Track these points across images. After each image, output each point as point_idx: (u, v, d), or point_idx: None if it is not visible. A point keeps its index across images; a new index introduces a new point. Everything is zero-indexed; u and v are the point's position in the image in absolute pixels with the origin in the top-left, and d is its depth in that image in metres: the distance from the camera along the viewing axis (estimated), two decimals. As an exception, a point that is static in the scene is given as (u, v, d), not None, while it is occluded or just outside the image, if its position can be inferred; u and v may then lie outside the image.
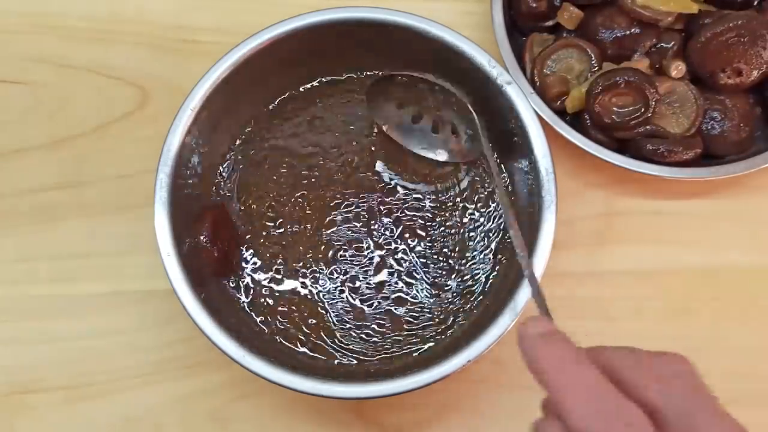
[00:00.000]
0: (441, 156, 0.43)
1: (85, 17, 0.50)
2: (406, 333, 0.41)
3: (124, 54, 0.50)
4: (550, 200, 0.39)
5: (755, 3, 0.45)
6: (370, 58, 0.44)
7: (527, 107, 0.40)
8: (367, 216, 0.43)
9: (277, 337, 0.41)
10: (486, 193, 0.43)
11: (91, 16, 0.50)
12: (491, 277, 0.42)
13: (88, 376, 0.44)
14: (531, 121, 0.40)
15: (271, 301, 0.42)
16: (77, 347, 0.44)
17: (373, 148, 0.44)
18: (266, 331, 0.41)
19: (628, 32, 0.45)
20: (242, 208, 0.43)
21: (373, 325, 0.41)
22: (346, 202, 0.43)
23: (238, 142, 0.44)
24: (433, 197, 0.43)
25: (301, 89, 0.45)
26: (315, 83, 0.45)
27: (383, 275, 0.42)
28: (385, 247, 0.42)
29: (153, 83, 0.49)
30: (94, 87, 0.49)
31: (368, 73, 0.45)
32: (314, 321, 0.41)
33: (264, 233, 0.43)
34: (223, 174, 0.44)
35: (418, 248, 0.42)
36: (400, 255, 0.42)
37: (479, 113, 0.41)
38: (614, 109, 0.44)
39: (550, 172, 0.39)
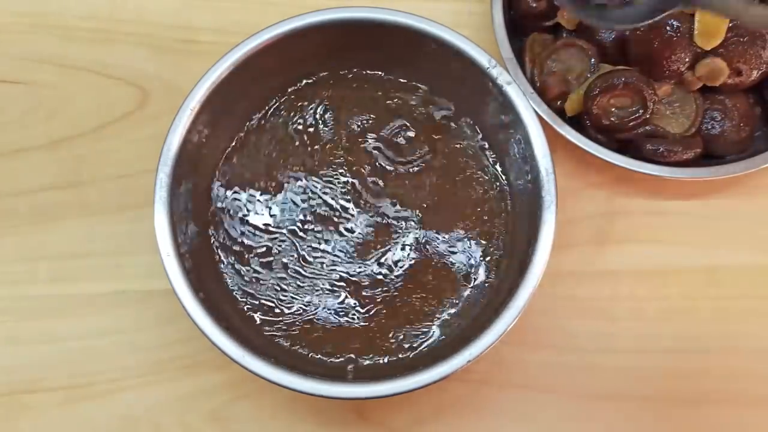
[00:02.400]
0: None
1: (85, 17, 0.50)
2: (404, 330, 0.41)
3: (124, 54, 0.50)
4: (550, 200, 0.39)
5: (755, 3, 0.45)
6: (369, 58, 0.44)
7: (527, 107, 0.40)
8: (368, 217, 0.43)
9: (277, 337, 0.41)
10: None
11: (91, 16, 0.50)
12: (490, 277, 0.42)
13: (88, 376, 0.44)
14: (531, 121, 0.40)
15: (270, 301, 0.42)
16: (77, 347, 0.44)
17: (371, 147, 0.44)
18: (266, 330, 0.41)
19: (627, 32, 0.45)
20: (240, 202, 0.43)
21: (372, 323, 0.41)
22: (346, 204, 0.43)
23: (237, 141, 0.44)
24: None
25: (300, 89, 0.45)
26: (314, 83, 0.45)
27: (380, 275, 0.42)
28: (382, 245, 0.42)
29: (153, 83, 0.49)
30: (94, 87, 0.49)
31: (368, 74, 0.45)
32: (313, 319, 0.41)
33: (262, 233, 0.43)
34: (223, 173, 0.44)
35: (414, 243, 0.42)
36: (398, 252, 0.42)
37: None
38: (612, 110, 0.44)
39: (550, 172, 0.39)
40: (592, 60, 0.45)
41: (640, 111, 0.44)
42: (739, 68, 0.44)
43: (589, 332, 0.45)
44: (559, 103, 0.46)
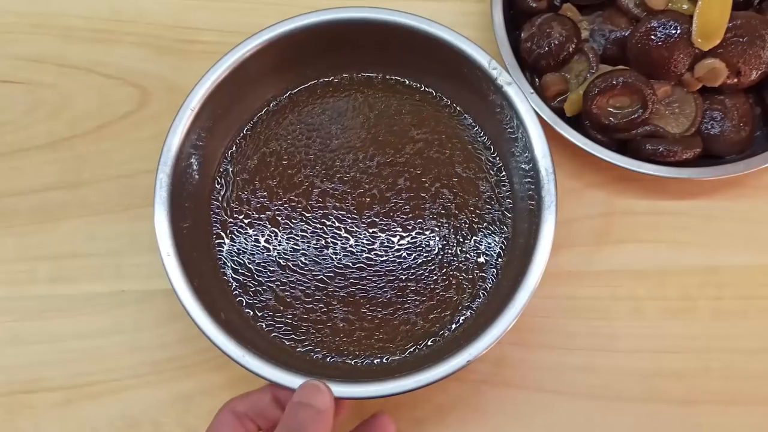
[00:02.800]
0: None
1: (85, 17, 0.50)
2: (406, 331, 0.41)
3: (124, 54, 0.50)
4: (550, 200, 0.39)
5: (755, 3, 0.46)
6: (369, 58, 0.44)
7: (527, 108, 0.40)
8: (365, 213, 0.43)
9: (278, 337, 0.41)
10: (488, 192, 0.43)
11: (91, 16, 0.50)
12: (491, 277, 0.42)
13: (88, 376, 0.44)
14: (531, 121, 0.40)
15: (272, 302, 0.42)
16: (77, 347, 0.44)
17: (370, 149, 0.44)
18: (266, 330, 0.41)
19: (627, 33, 0.45)
20: (241, 208, 0.43)
21: (372, 323, 0.41)
22: (343, 203, 0.43)
23: (237, 141, 0.44)
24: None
25: (300, 89, 0.45)
26: (314, 83, 0.45)
27: (382, 273, 0.42)
28: (383, 244, 0.42)
29: (153, 83, 0.49)
30: (94, 87, 0.49)
31: (367, 74, 0.45)
32: (314, 320, 0.41)
33: (262, 234, 0.43)
34: (223, 174, 0.44)
35: (413, 245, 0.42)
36: (399, 252, 0.42)
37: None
38: (611, 110, 0.44)
39: (550, 172, 0.39)
40: (592, 59, 0.46)
41: (640, 111, 0.44)
42: (738, 68, 0.44)
43: (589, 332, 0.45)
44: (557, 101, 0.46)
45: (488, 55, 0.41)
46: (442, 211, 0.43)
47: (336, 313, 0.41)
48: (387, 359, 0.41)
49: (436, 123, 0.44)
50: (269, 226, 0.43)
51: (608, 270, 0.46)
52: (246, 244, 0.42)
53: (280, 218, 0.43)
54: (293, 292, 0.42)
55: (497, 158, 0.44)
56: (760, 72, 0.44)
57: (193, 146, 0.41)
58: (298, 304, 0.41)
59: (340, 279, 0.42)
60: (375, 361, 0.41)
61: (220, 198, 0.43)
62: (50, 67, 0.49)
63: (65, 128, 0.48)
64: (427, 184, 0.43)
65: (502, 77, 0.40)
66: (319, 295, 0.42)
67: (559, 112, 0.45)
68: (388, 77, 0.45)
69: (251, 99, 0.44)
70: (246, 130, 0.44)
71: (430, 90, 0.45)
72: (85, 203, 0.47)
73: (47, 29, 0.50)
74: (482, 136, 0.44)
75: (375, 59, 0.44)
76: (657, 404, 0.44)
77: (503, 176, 0.43)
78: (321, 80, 0.45)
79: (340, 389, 0.36)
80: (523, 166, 0.41)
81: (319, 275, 0.42)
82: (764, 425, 0.44)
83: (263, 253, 0.42)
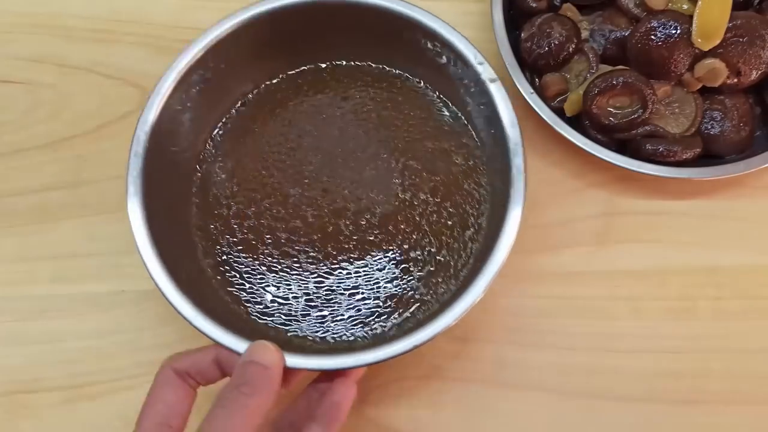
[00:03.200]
0: None
1: (85, 17, 0.50)
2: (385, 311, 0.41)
3: (124, 54, 0.50)
4: (517, 200, 0.38)
5: (755, 3, 0.46)
6: (352, 45, 0.44)
7: (507, 107, 0.39)
8: (344, 214, 0.43)
9: (269, 326, 0.41)
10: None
11: (91, 16, 0.50)
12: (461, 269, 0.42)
13: (88, 376, 0.44)
14: (511, 128, 0.39)
15: (268, 298, 0.42)
16: (77, 347, 0.44)
17: (336, 146, 0.44)
18: (264, 326, 0.41)
19: (627, 33, 0.45)
20: (221, 212, 0.43)
21: (357, 309, 0.41)
22: (321, 211, 0.43)
23: (221, 127, 0.44)
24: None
25: (277, 80, 0.45)
26: (293, 72, 0.45)
27: (381, 256, 0.42)
28: (361, 232, 0.42)
29: (153, 83, 0.49)
30: (94, 87, 0.49)
31: (357, 62, 0.45)
32: (305, 308, 0.41)
33: (244, 224, 0.43)
34: (205, 164, 0.43)
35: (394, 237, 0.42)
36: (389, 233, 0.42)
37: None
38: (611, 110, 0.44)
39: (521, 171, 0.38)
40: (592, 59, 0.46)
41: (640, 111, 0.44)
42: (738, 68, 0.44)
43: (588, 332, 0.45)
44: (557, 101, 0.46)
45: (474, 49, 0.40)
46: (417, 180, 0.42)
47: (340, 302, 0.41)
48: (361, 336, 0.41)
49: (411, 107, 0.44)
50: (250, 236, 0.42)
51: (609, 270, 0.46)
52: (229, 249, 0.42)
53: (261, 228, 0.42)
54: (290, 289, 0.41)
55: (480, 148, 0.43)
56: (760, 72, 0.44)
57: (175, 128, 0.41)
58: (295, 300, 0.41)
59: (339, 272, 0.42)
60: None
61: (199, 200, 0.43)
62: (50, 67, 0.49)
63: (65, 128, 0.48)
64: (393, 164, 0.43)
65: (485, 73, 0.40)
66: (317, 291, 0.41)
67: (559, 112, 0.45)
68: (367, 64, 0.45)
69: (230, 90, 0.44)
70: (219, 127, 0.44)
71: (415, 81, 0.45)
72: (85, 203, 0.47)
73: (47, 29, 0.50)
74: (460, 116, 0.44)
75: (348, 45, 0.44)
76: (657, 404, 0.44)
77: (483, 169, 0.43)
78: (297, 69, 0.45)
79: (320, 361, 0.36)
80: (498, 165, 0.40)
81: (315, 274, 0.42)
82: (764, 425, 0.44)
83: (251, 259, 0.42)
